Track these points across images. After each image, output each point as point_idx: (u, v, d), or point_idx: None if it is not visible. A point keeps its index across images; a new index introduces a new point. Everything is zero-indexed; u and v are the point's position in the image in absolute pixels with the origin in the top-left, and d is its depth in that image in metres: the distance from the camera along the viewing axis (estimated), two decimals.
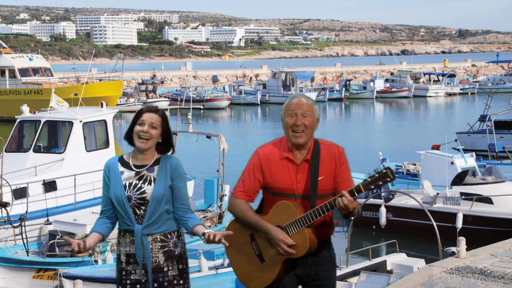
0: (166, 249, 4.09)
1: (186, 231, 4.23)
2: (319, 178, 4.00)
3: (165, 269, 4.08)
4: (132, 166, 4.09)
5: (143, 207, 4.02)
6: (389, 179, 3.79)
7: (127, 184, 4.04)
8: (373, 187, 3.81)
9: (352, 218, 3.94)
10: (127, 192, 4.02)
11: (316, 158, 4.03)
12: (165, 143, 4.13)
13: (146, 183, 4.04)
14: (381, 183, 3.81)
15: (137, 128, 4.05)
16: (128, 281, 4.09)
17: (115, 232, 4.26)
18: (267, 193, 4.11)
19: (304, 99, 4.09)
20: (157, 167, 4.09)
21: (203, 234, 3.94)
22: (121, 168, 4.09)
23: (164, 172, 4.08)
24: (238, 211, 4.07)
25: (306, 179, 4.01)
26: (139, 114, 4.09)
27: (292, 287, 4.10)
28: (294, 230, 3.93)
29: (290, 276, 4.05)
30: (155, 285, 4.06)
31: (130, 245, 4.06)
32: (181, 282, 4.12)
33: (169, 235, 4.10)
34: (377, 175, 3.81)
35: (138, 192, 4.02)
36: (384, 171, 3.81)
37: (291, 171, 4.03)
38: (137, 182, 4.05)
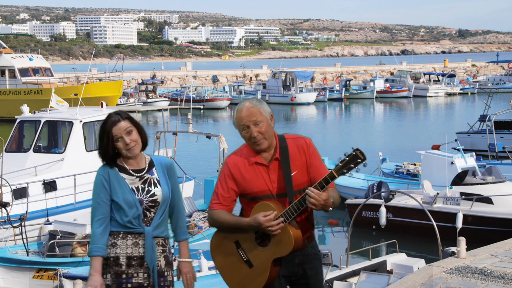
0: (165, 254, 4.10)
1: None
2: (292, 174, 3.98)
3: (165, 273, 4.09)
4: (131, 171, 4.05)
5: (153, 210, 4.02)
6: (360, 160, 3.74)
7: (134, 188, 4.00)
8: (345, 170, 3.77)
9: (331, 208, 3.86)
10: (138, 196, 3.99)
11: (285, 154, 4.01)
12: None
13: (153, 186, 4.03)
14: (353, 165, 3.75)
15: (119, 145, 3.96)
16: (129, 285, 4.01)
17: None
18: (245, 200, 4.09)
19: (249, 105, 3.99)
20: (155, 169, 4.09)
21: (179, 262, 4.10)
22: (121, 174, 4.04)
23: (162, 173, 4.09)
24: (217, 219, 4.05)
25: (279, 177, 3.99)
26: (106, 133, 3.94)
27: None
28: None
29: (279, 278, 4.04)
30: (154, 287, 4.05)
31: (132, 247, 4.00)
32: None
33: (166, 241, 4.13)
34: (347, 158, 3.77)
35: (148, 195, 4.01)
36: (354, 153, 3.76)
37: (263, 173, 4.00)
38: (143, 186, 4.02)
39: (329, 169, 3.94)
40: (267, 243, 3.95)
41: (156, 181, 4.05)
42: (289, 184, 3.96)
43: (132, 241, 4.00)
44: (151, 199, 4.01)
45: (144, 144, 4.09)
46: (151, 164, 4.10)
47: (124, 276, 4.01)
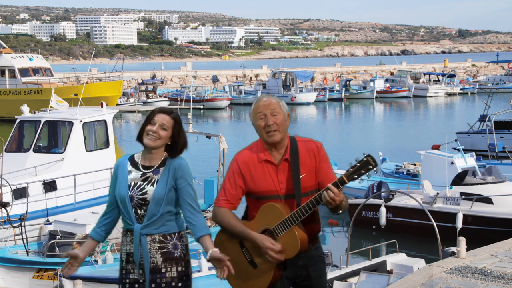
0: (165, 250, 4.07)
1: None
2: (301, 176, 3.97)
3: (163, 270, 4.05)
4: (140, 167, 4.11)
5: (144, 207, 4.03)
6: (371, 166, 3.74)
7: (131, 184, 4.06)
8: (356, 176, 3.77)
9: (340, 211, 3.87)
10: (130, 192, 4.04)
11: (295, 156, 4.00)
12: (174, 146, 4.12)
13: (149, 184, 4.05)
14: (363, 171, 3.75)
15: (148, 127, 4.06)
16: (127, 280, 4.10)
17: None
18: (251, 199, 4.07)
19: (269, 98, 4.06)
20: (162, 169, 4.10)
21: (208, 254, 4.01)
22: (129, 168, 4.12)
23: (167, 173, 4.08)
24: (223, 221, 4.03)
25: (287, 178, 3.98)
26: (152, 113, 4.11)
27: None
28: (283, 231, 3.89)
29: (282, 280, 4.02)
30: (153, 285, 4.04)
31: (130, 244, 4.07)
32: (180, 285, 4.08)
33: (168, 237, 4.09)
34: (358, 164, 3.76)
35: (140, 192, 4.04)
36: (365, 159, 3.75)
37: (272, 172, 3.99)
38: (141, 183, 4.06)
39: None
40: None
41: (155, 180, 4.06)
42: (297, 186, 3.95)
43: (130, 238, 4.07)
44: (141, 196, 4.03)
45: (174, 150, 4.11)
46: (162, 164, 4.11)
47: (124, 271, 4.12)
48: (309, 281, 4.09)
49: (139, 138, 4.14)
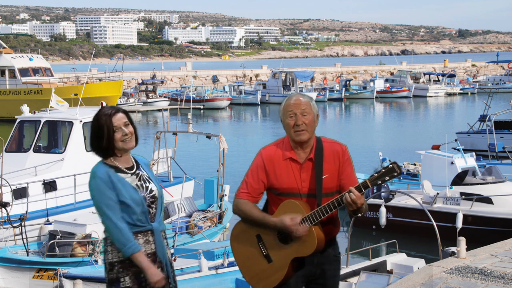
0: (166, 244, 4.18)
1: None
2: (323, 176, 4.00)
3: (172, 264, 4.20)
4: (125, 169, 4.05)
5: (153, 206, 4.06)
6: (396, 174, 3.79)
7: (135, 186, 4.02)
8: (380, 182, 3.82)
9: (360, 214, 3.91)
10: (142, 193, 4.03)
11: (320, 156, 4.03)
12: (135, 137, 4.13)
13: (147, 182, 4.07)
14: (388, 178, 3.80)
15: (117, 135, 3.97)
16: (148, 281, 4.01)
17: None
18: (272, 194, 4.10)
19: (301, 97, 4.09)
20: (141, 167, 4.13)
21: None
22: (119, 174, 4.04)
23: (148, 170, 4.16)
24: (243, 210, 4.05)
25: (310, 178, 4.01)
26: (106, 121, 3.96)
27: (297, 287, 4.09)
28: None
29: (296, 276, 4.04)
30: (169, 280, 4.10)
31: (145, 245, 4.01)
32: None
33: (164, 231, 4.20)
34: (383, 170, 3.82)
35: (148, 191, 4.05)
36: (391, 166, 3.81)
37: (295, 170, 4.02)
38: (141, 183, 4.06)
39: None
40: (289, 241, 3.96)
41: (147, 177, 4.09)
42: (319, 186, 3.98)
43: (144, 239, 4.02)
44: (150, 195, 4.05)
45: (136, 140, 4.10)
46: (137, 162, 4.13)
47: (142, 275, 4.01)
48: (324, 280, 4.10)
49: (108, 152, 4.02)
